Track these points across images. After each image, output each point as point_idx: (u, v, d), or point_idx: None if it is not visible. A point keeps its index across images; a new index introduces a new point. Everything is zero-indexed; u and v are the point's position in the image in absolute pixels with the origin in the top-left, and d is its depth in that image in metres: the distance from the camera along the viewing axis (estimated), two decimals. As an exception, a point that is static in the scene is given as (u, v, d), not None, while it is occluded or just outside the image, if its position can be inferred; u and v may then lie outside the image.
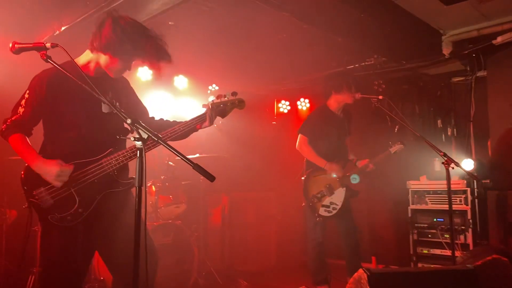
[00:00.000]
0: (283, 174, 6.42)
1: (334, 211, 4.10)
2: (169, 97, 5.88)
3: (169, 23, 4.66)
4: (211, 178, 1.71)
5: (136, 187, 1.75)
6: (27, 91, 2.30)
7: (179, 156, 1.72)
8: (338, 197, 4.14)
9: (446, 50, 4.82)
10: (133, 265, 1.69)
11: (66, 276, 2.31)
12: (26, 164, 2.27)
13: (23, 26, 4.49)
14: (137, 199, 1.75)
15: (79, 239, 2.32)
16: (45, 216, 2.24)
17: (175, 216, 4.52)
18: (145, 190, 1.72)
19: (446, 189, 4.70)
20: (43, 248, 2.38)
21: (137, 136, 1.77)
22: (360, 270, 2.68)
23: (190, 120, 2.56)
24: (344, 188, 4.16)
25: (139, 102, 2.71)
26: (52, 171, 2.18)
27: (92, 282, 4.03)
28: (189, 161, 1.71)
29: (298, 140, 4.26)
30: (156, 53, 2.32)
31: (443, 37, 4.86)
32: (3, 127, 2.29)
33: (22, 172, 2.26)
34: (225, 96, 2.67)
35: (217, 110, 2.65)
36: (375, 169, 4.27)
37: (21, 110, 2.28)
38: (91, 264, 4.09)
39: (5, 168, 4.32)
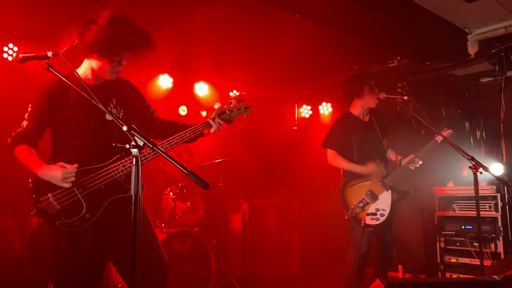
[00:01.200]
0: (304, 180, 6.32)
1: (382, 218, 3.81)
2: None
3: (187, 29, 4.68)
4: (205, 185, 1.65)
5: (132, 195, 1.71)
6: (30, 104, 2.37)
7: (173, 163, 1.68)
8: (384, 202, 3.85)
9: (472, 50, 4.61)
10: (130, 278, 1.64)
11: (76, 284, 2.31)
12: (33, 173, 2.29)
13: (43, 37, 4.61)
14: (133, 208, 1.71)
15: (86, 247, 2.33)
16: (53, 222, 2.25)
17: (192, 223, 4.50)
18: (141, 199, 1.68)
19: (474, 195, 4.55)
20: (52, 256, 2.40)
21: (133, 143, 1.74)
22: (377, 281, 2.56)
23: (196, 126, 2.56)
24: (389, 191, 3.88)
25: (147, 106, 2.70)
26: (57, 174, 2.21)
27: (110, 289, 4.05)
28: (183, 168, 1.66)
29: (327, 155, 4.02)
30: (137, 40, 2.29)
31: (468, 36, 4.65)
32: (8, 140, 2.35)
33: (30, 181, 2.30)
34: (230, 103, 2.68)
35: (222, 117, 2.65)
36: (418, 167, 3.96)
37: (24, 123, 2.35)
38: (110, 271, 4.12)
39: (27, 176, 4.42)
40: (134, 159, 1.73)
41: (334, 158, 3.97)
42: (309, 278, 5.66)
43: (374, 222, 3.81)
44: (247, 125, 5.86)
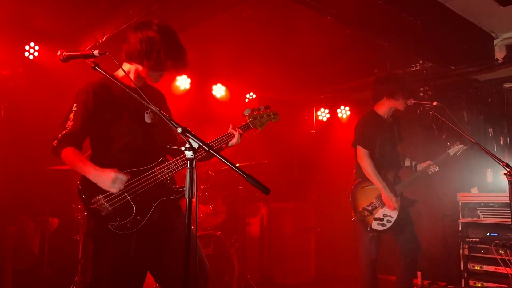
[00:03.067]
0: (322, 184, 6.25)
1: (389, 224, 3.75)
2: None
3: (207, 31, 4.63)
4: (265, 190, 1.60)
5: (186, 199, 1.66)
6: (74, 104, 2.29)
7: (232, 168, 1.63)
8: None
9: (500, 54, 4.55)
10: (183, 281, 1.59)
11: None
12: (81, 175, 2.24)
13: (67, 36, 4.58)
14: (187, 212, 1.66)
15: (132, 252, 2.29)
16: (104, 224, 2.20)
17: (214, 226, 4.44)
18: (196, 202, 1.62)
19: (500, 201, 4.49)
20: (95, 258, 2.33)
21: (187, 145, 1.69)
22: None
23: (219, 138, 2.58)
24: (398, 198, 3.81)
25: (170, 114, 2.70)
26: (108, 178, 2.16)
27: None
28: (243, 172, 1.61)
29: (358, 153, 3.88)
30: (181, 58, 2.36)
31: (495, 41, 4.60)
32: (54, 143, 2.26)
33: (79, 182, 2.24)
34: (259, 110, 2.76)
35: (254, 122, 2.71)
36: (430, 175, 3.95)
37: (70, 123, 2.26)
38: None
39: (46, 178, 4.39)
40: (188, 161, 1.67)
41: (364, 158, 3.82)
42: (325, 284, 5.60)
43: (380, 228, 3.75)
44: (265, 128, 5.79)
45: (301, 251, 5.69)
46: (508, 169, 3.22)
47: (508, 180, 3.22)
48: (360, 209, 3.78)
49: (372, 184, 3.83)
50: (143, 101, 1.86)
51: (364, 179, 3.86)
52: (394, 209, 3.76)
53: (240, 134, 2.61)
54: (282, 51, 5.21)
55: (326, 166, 6.18)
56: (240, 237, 4.79)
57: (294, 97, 6.53)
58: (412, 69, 5.26)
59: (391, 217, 3.78)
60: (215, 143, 2.52)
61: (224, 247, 4.20)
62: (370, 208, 3.78)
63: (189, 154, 1.68)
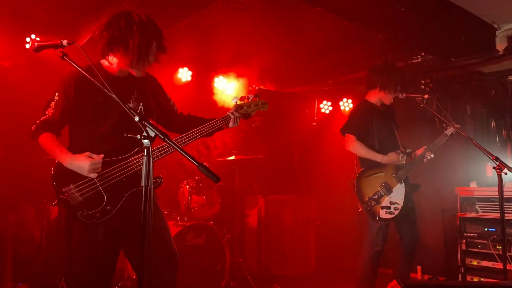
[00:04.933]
0: (322, 177, 6.23)
1: (397, 211, 3.70)
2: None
3: (209, 22, 4.64)
4: (215, 179, 1.62)
5: (142, 187, 1.68)
6: (56, 93, 2.35)
7: (185, 156, 1.65)
8: (398, 195, 3.75)
9: (501, 46, 4.42)
10: (138, 273, 1.62)
11: (88, 274, 2.31)
12: (56, 161, 2.29)
13: (65, 28, 4.64)
14: (143, 200, 1.68)
15: (100, 239, 2.33)
16: (73, 214, 2.25)
17: (208, 217, 4.48)
18: (152, 191, 1.65)
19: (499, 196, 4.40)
20: (68, 247, 2.38)
21: (144, 134, 1.71)
22: (394, 281, 2.49)
23: (214, 121, 2.59)
24: (403, 184, 3.77)
25: (167, 99, 2.73)
26: (84, 164, 2.20)
27: (124, 281, 4.07)
28: (195, 161, 1.63)
29: (346, 140, 3.89)
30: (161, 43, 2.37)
31: (497, 32, 4.47)
32: (32, 128, 2.32)
33: (52, 169, 2.29)
34: (248, 98, 2.73)
35: (240, 112, 2.69)
36: (429, 160, 3.90)
37: (50, 111, 2.32)
38: (125, 263, 4.14)
39: (46, 166, 4.47)
40: (145, 150, 1.69)
41: (353, 144, 3.82)
42: (325, 277, 5.59)
43: (388, 216, 3.69)
44: (266, 120, 5.81)
45: (300, 243, 5.70)
46: (497, 163, 3.17)
47: (498, 174, 3.17)
48: (366, 199, 3.70)
49: (376, 172, 3.79)
50: (105, 90, 1.88)
51: (367, 168, 3.81)
52: (402, 163, 3.76)
53: (237, 118, 2.65)
54: (284, 43, 5.18)
55: (327, 159, 6.15)
56: (236, 228, 4.82)
57: (296, 89, 6.50)
58: (413, 61, 5.18)
59: (398, 203, 3.73)
60: (195, 133, 2.50)
61: (215, 237, 4.23)
62: (376, 197, 3.71)
63: (145, 142, 1.70)
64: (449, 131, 3.83)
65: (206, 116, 2.73)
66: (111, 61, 2.41)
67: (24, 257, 4.49)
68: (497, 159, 3.18)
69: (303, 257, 5.71)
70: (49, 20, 4.59)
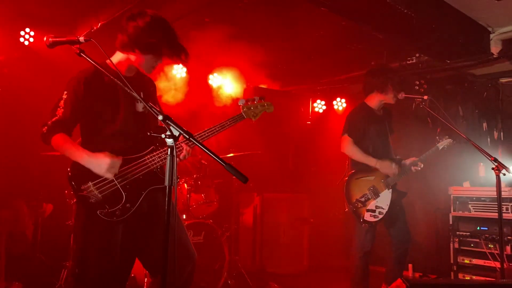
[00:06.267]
0: (316, 175, 6.28)
1: (381, 216, 3.79)
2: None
3: (205, 20, 4.62)
4: (243, 179, 1.62)
5: (166, 186, 1.68)
6: (65, 92, 2.30)
7: (211, 156, 1.64)
8: (384, 200, 3.84)
9: (495, 49, 4.53)
10: (162, 269, 1.61)
11: (104, 277, 2.28)
12: (72, 161, 2.25)
13: (61, 23, 4.57)
14: (167, 199, 1.68)
15: (119, 238, 2.31)
16: (93, 211, 2.21)
17: (206, 215, 4.47)
18: (176, 190, 1.64)
19: (492, 196, 4.51)
20: (83, 245, 2.34)
21: (168, 133, 1.70)
22: (399, 280, 2.52)
23: (226, 121, 2.61)
24: (390, 190, 3.86)
25: (158, 104, 2.74)
26: (103, 162, 2.18)
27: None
28: (222, 161, 1.63)
29: (343, 142, 3.96)
30: (177, 48, 2.37)
31: (491, 35, 4.57)
32: (43, 129, 2.27)
33: (69, 169, 2.25)
34: (254, 100, 2.78)
35: (248, 112, 2.73)
36: (419, 170, 3.97)
37: (60, 111, 2.27)
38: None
39: (40, 163, 4.41)
40: (169, 149, 1.69)
41: (349, 147, 3.89)
42: (318, 275, 5.64)
43: (372, 219, 3.79)
44: (261, 119, 5.79)
45: (294, 241, 5.72)
46: (496, 164, 3.24)
47: (496, 175, 3.24)
48: (354, 201, 3.80)
49: (366, 176, 3.87)
50: (127, 90, 1.86)
51: (358, 171, 3.89)
52: (395, 174, 3.83)
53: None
54: (279, 42, 5.19)
55: (321, 158, 6.20)
56: (232, 226, 4.82)
57: (290, 88, 6.52)
58: (408, 62, 5.24)
59: (383, 208, 3.82)
60: (207, 133, 2.52)
61: (215, 235, 4.22)
62: (363, 199, 3.80)
63: (169, 141, 1.69)
64: (441, 144, 3.92)
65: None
66: (122, 57, 2.40)
67: (18, 254, 4.41)
68: (495, 160, 3.26)
69: (296, 255, 5.74)
70: (44, 14, 4.51)
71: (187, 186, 4.38)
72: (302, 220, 5.83)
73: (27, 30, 4.48)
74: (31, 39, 4.50)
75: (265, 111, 2.86)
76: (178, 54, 2.35)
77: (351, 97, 6.47)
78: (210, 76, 5.88)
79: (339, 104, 6.52)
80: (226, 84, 5.92)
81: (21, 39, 4.46)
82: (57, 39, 2.02)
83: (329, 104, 6.59)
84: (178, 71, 5.55)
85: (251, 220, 5.48)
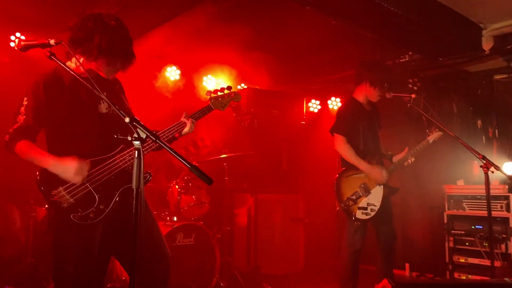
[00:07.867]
0: (311, 176, 6.24)
1: (373, 213, 3.76)
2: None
3: (195, 22, 4.61)
4: (208, 181, 1.60)
5: (133, 188, 1.66)
6: (25, 98, 2.25)
7: (176, 157, 1.63)
8: (375, 197, 3.80)
9: (487, 46, 4.48)
10: (130, 274, 1.60)
11: (82, 278, 2.26)
12: (40, 167, 2.22)
13: (52, 26, 4.56)
14: (134, 201, 1.66)
15: (97, 240, 2.29)
16: (66, 216, 2.18)
17: (197, 217, 4.46)
18: (143, 192, 1.63)
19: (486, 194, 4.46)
20: (58, 251, 2.32)
21: (135, 135, 1.69)
22: (385, 280, 2.50)
23: (195, 113, 2.62)
24: (382, 186, 3.82)
25: (127, 104, 2.68)
26: (71, 167, 2.14)
27: (114, 282, 4.02)
28: (187, 162, 1.61)
29: (335, 140, 3.90)
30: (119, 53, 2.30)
31: (483, 32, 4.53)
32: (5, 137, 2.22)
33: (37, 174, 2.22)
34: (222, 91, 2.82)
35: (215, 103, 2.74)
36: (412, 167, 3.95)
37: (21, 117, 2.22)
38: (114, 264, 4.09)
39: (33, 167, 4.39)
40: (136, 152, 1.67)
41: (342, 146, 3.84)
42: (314, 275, 5.61)
43: (364, 217, 3.75)
44: (255, 119, 5.80)
45: (289, 242, 5.70)
46: (484, 161, 3.21)
47: (485, 172, 3.21)
48: (345, 199, 3.77)
49: (356, 173, 3.83)
50: (94, 91, 1.85)
51: (348, 168, 3.85)
52: (383, 182, 3.80)
53: (193, 122, 2.57)
54: (273, 42, 5.17)
55: (316, 158, 6.16)
56: (224, 228, 4.80)
57: (284, 88, 6.50)
58: (401, 60, 5.21)
59: (375, 205, 3.78)
60: (166, 133, 2.49)
61: (205, 237, 4.21)
62: (354, 197, 3.77)
63: (136, 144, 1.68)
64: (431, 137, 3.88)
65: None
66: (78, 62, 2.31)
67: (10, 258, 4.41)
68: (484, 158, 3.23)
69: (291, 256, 5.71)
70: (34, 18, 4.52)
71: (178, 188, 4.36)
72: (297, 220, 5.80)
73: (18, 34, 4.49)
74: (22, 44, 4.49)
75: (233, 101, 2.90)
76: (119, 61, 2.30)
77: (346, 96, 6.39)
78: (204, 78, 5.86)
79: (334, 103, 6.49)
80: (220, 85, 5.89)
81: (12, 44, 4.47)
82: (28, 43, 2.03)
83: (323, 104, 6.56)
84: (172, 73, 5.56)
85: (245, 221, 5.45)
